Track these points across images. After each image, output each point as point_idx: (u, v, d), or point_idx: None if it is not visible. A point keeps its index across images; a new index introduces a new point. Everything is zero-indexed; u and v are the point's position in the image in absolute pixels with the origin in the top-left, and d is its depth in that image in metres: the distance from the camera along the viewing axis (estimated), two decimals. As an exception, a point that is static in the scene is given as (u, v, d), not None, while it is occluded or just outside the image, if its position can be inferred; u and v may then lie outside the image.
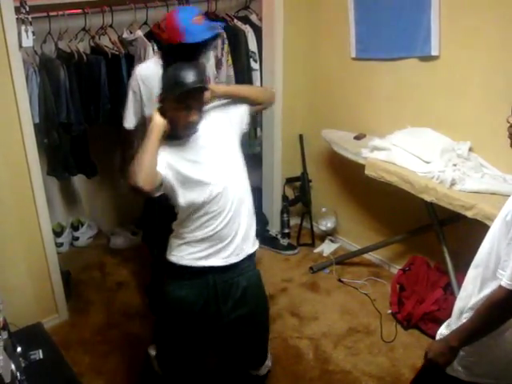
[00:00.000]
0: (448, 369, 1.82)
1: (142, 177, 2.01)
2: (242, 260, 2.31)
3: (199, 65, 2.21)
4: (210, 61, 2.81)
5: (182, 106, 2.07)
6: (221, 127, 2.27)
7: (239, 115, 2.34)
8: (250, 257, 2.36)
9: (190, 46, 2.52)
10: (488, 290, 1.69)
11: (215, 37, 2.65)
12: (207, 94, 2.17)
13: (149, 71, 2.76)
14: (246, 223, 2.28)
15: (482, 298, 1.71)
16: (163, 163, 2.10)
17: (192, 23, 2.53)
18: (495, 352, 1.75)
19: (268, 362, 2.65)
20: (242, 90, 2.47)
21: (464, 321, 1.78)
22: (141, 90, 2.79)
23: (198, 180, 2.14)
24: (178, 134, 2.15)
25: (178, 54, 2.50)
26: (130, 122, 2.88)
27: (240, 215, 2.25)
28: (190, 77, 2.05)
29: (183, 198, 2.15)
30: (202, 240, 2.22)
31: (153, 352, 2.54)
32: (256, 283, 2.42)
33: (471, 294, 1.78)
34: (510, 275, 1.56)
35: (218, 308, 2.31)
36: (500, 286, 1.60)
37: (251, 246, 2.34)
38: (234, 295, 2.32)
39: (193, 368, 2.51)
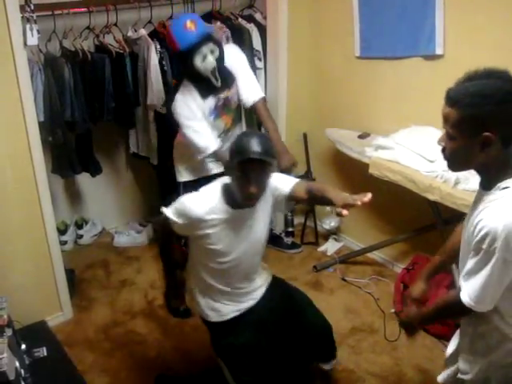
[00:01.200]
0: None
1: None
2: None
3: (267, 139, 2.17)
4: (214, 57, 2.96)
5: (242, 176, 2.05)
6: (266, 208, 2.31)
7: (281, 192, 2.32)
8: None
9: (189, 51, 2.87)
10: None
11: (206, 37, 2.91)
12: (272, 172, 2.14)
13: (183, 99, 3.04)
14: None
15: None
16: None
17: (184, 30, 2.87)
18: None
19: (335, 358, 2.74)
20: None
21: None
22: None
23: (220, 252, 2.25)
24: (237, 202, 2.16)
25: (184, 59, 2.94)
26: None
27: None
28: (253, 147, 2.01)
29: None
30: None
31: None
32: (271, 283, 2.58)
33: None
34: (465, 290, 1.63)
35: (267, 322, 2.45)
36: (457, 292, 1.66)
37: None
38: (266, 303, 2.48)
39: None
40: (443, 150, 1.66)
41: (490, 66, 1.52)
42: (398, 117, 3.38)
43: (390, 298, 3.40)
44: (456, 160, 1.64)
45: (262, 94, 3.25)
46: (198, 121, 3.03)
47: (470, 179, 2.80)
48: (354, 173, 3.67)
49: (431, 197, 2.88)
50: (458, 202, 2.75)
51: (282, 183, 2.29)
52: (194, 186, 2.55)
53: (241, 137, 2.12)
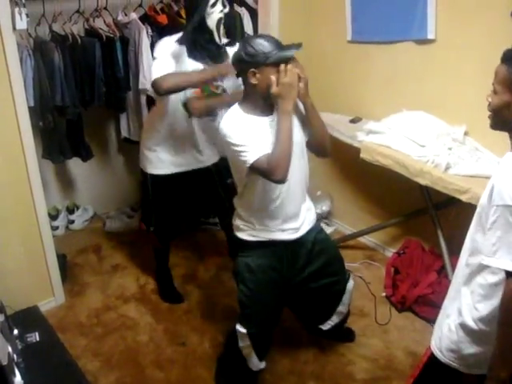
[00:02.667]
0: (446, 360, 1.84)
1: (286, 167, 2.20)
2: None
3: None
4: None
5: (278, 70, 2.17)
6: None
7: None
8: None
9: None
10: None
11: None
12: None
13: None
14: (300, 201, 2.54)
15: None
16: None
17: None
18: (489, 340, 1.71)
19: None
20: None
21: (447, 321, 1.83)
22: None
23: None
24: (270, 103, 2.26)
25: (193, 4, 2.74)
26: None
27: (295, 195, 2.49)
28: (282, 45, 2.20)
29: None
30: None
31: (243, 330, 2.51)
32: (322, 237, 2.61)
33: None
34: (504, 258, 1.55)
35: (291, 268, 2.51)
36: (507, 279, 1.55)
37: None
38: (303, 253, 2.52)
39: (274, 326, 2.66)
40: (488, 106, 1.70)
41: None
42: (389, 101, 3.38)
43: (381, 282, 3.42)
44: (496, 115, 1.67)
45: None
46: (164, 59, 2.72)
47: (461, 164, 2.81)
48: (345, 157, 3.66)
49: (422, 181, 2.90)
50: (448, 187, 2.77)
51: None
52: None
53: (257, 41, 2.16)
